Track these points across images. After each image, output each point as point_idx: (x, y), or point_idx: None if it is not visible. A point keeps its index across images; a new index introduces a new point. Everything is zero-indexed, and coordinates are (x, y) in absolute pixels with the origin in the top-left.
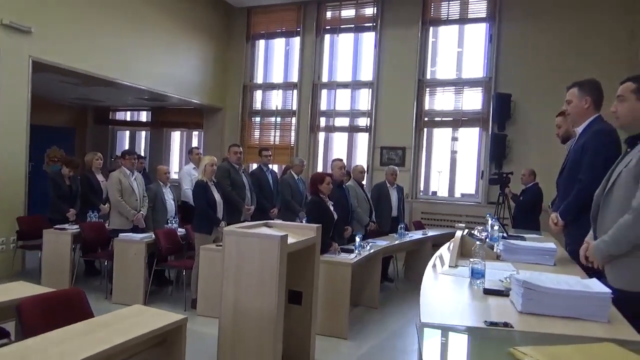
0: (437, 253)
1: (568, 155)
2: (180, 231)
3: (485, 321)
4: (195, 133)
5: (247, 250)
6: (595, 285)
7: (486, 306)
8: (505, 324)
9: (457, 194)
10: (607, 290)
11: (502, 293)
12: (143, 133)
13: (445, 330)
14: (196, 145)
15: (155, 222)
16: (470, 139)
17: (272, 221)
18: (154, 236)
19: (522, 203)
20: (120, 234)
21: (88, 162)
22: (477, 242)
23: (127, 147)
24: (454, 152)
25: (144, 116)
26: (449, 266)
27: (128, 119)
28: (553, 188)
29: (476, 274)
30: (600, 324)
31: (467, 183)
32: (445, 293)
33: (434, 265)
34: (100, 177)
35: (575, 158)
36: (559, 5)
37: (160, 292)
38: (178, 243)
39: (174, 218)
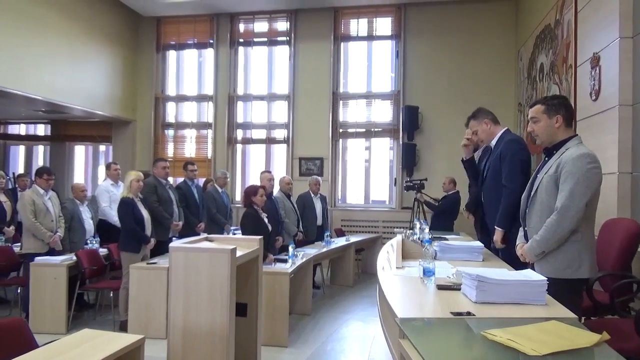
0: (382, 257)
1: (486, 165)
2: (102, 251)
3: (451, 312)
4: (102, 147)
5: (195, 266)
6: (532, 275)
7: (444, 300)
8: (468, 313)
9: (371, 201)
10: (543, 278)
11: (453, 287)
12: (41, 147)
13: (422, 322)
14: (113, 161)
15: (72, 243)
16: (382, 149)
17: (211, 235)
18: (74, 258)
19: (440, 208)
20: (36, 258)
21: None
22: (426, 244)
23: (21, 163)
24: (367, 162)
25: (41, 129)
26: (396, 267)
27: (23, 132)
28: (466, 192)
29: (428, 273)
30: (541, 306)
31: (381, 190)
32: (404, 291)
33: (383, 268)
34: (2, 198)
35: (496, 166)
36: (454, 25)
37: (81, 317)
38: (101, 264)
39: (93, 237)
